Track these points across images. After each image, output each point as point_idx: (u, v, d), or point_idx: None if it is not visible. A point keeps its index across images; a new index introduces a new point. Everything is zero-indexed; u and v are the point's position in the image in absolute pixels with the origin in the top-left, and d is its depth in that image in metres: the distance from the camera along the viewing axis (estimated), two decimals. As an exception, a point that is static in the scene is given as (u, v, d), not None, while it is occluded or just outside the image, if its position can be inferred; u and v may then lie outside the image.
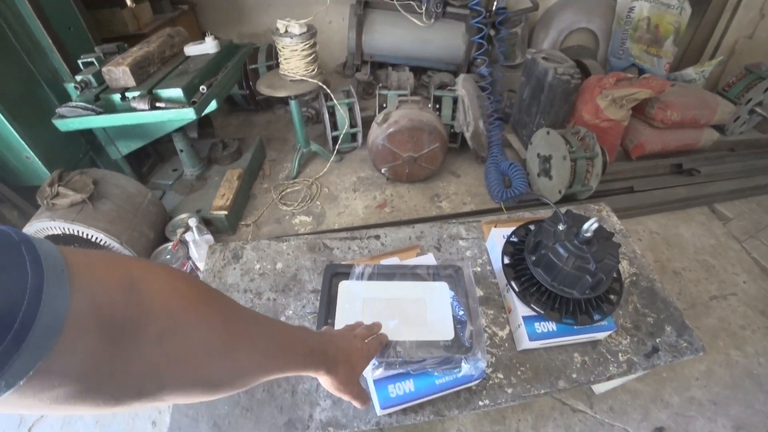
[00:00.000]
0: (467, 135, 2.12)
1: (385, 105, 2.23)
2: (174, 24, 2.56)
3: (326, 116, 2.22)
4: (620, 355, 0.99)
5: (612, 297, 0.96)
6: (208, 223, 1.95)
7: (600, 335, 0.97)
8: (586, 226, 0.83)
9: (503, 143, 2.22)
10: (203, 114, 1.70)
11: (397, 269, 0.95)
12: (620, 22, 2.71)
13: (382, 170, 2.07)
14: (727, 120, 2.65)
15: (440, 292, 0.90)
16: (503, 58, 2.43)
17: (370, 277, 0.92)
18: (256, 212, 2.15)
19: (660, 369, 1.63)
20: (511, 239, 1.03)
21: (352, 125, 2.28)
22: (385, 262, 1.05)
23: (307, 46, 1.95)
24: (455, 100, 2.15)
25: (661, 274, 2.02)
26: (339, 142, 2.25)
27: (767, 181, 2.72)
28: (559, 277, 0.88)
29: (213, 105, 1.74)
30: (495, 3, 2.39)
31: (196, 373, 0.36)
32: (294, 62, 1.98)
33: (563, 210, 0.98)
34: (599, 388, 1.49)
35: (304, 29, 1.92)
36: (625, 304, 1.11)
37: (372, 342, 0.73)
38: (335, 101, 2.16)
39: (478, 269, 1.13)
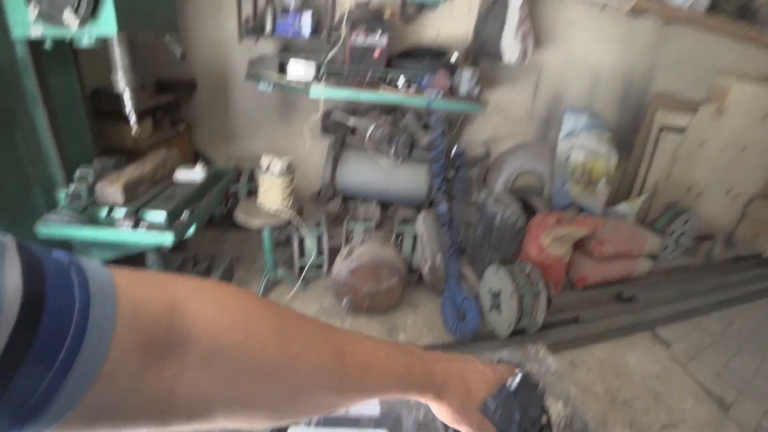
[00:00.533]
0: (424, 270, 2.32)
1: (352, 236, 2.43)
2: (170, 142, 2.70)
3: (295, 245, 2.39)
4: None
5: None
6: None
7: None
8: (509, 380, 0.95)
9: (460, 276, 2.42)
10: (183, 237, 1.80)
11: (340, 421, 1.00)
12: (560, 166, 3.17)
13: (343, 302, 2.19)
14: (657, 250, 3.00)
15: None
16: (462, 195, 2.75)
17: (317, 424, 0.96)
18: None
19: None
20: None
21: (320, 253, 2.45)
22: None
23: (286, 182, 2.18)
24: (415, 236, 2.39)
25: (611, 406, 2.11)
26: (305, 270, 2.39)
27: (702, 303, 2.99)
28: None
29: (192, 230, 1.86)
30: (453, 149, 2.78)
31: (250, 395, 0.35)
32: (272, 195, 2.19)
33: (494, 356, 1.08)
34: None
35: (285, 168, 2.15)
36: None
37: (500, 367, 0.66)
38: (304, 231, 2.35)
39: (423, 412, 1.19)
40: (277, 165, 2.16)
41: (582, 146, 3.13)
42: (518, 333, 2.19)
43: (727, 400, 2.28)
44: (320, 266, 2.50)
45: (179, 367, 0.30)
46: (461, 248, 2.64)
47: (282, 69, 2.57)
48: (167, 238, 1.73)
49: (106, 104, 2.24)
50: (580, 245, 2.67)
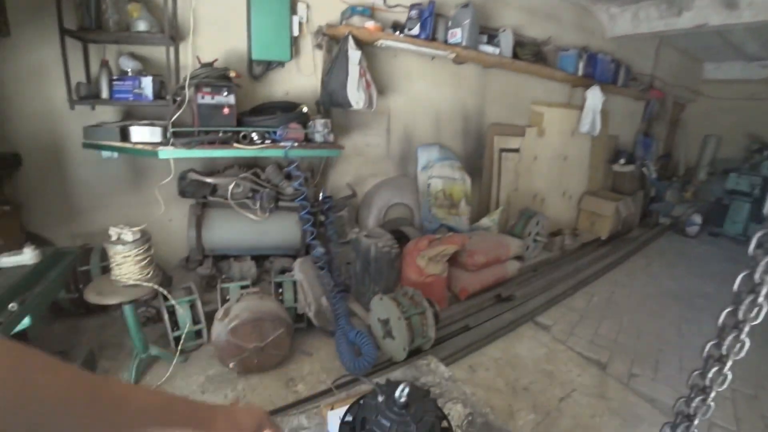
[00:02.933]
0: (311, 314, 2.24)
1: (228, 297, 2.25)
2: None
3: (166, 317, 2.12)
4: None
5: None
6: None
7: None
8: (397, 393, 0.89)
9: (349, 313, 2.39)
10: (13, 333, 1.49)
11: None
12: (424, 194, 3.46)
13: (230, 365, 1.98)
14: (521, 251, 3.38)
15: None
16: (336, 237, 2.79)
17: None
18: None
19: None
20: (345, 419, 1.03)
21: (196, 322, 2.20)
22: None
23: (141, 251, 1.95)
24: (295, 284, 2.31)
25: (514, 395, 2.22)
26: (182, 341, 2.12)
27: (566, 287, 3.42)
28: None
29: (26, 322, 1.56)
30: (320, 194, 2.83)
31: None
32: (127, 267, 1.94)
33: (383, 379, 1.05)
34: None
35: (138, 236, 1.94)
36: None
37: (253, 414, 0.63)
38: (173, 300, 2.11)
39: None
40: (128, 234, 1.94)
41: (438, 175, 3.49)
42: (415, 353, 2.20)
43: (603, 361, 2.60)
44: (199, 332, 2.24)
45: None
46: (345, 287, 2.63)
47: (124, 136, 2.39)
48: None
49: None
50: (455, 261, 2.88)
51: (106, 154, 2.43)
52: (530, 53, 3.92)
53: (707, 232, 5.75)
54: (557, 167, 4.79)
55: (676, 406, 1.11)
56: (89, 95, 2.39)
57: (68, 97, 2.37)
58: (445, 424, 1.05)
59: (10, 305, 1.54)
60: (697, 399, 1.04)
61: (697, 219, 5.58)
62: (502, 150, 4.16)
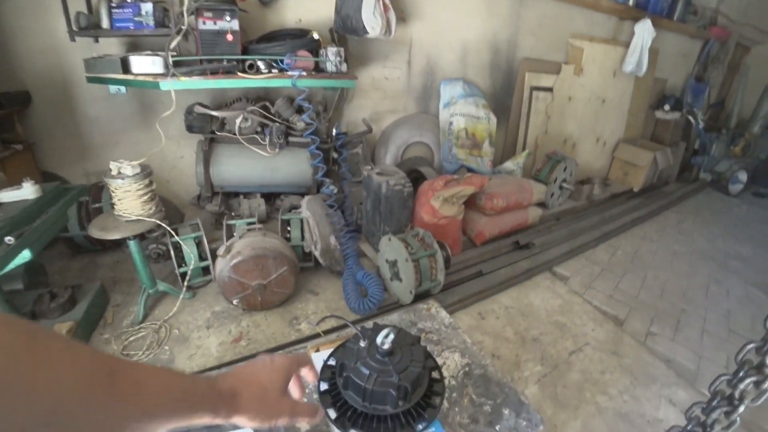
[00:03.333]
0: (316, 253, 2.18)
1: (234, 234, 2.22)
2: (3, 165, 2.32)
3: (172, 253, 2.12)
4: (461, 457, 0.96)
5: (435, 399, 0.91)
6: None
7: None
8: (380, 339, 0.82)
9: (358, 254, 2.33)
10: (13, 266, 1.51)
11: None
12: (444, 133, 3.24)
13: (234, 302, 1.98)
14: (545, 198, 3.19)
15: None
16: (350, 175, 2.67)
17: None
18: (92, 374, 1.84)
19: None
20: (328, 362, 0.98)
21: (203, 258, 2.20)
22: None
23: (142, 186, 1.91)
24: (302, 222, 2.24)
25: (522, 345, 2.16)
26: (188, 278, 2.13)
27: (589, 239, 3.25)
28: (368, 397, 0.84)
29: (26, 255, 1.57)
30: (334, 129, 2.68)
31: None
32: (128, 203, 1.91)
33: (370, 323, 0.98)
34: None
35: (137, 170, 1.90)
36: (461, 398, 1.12)
37: (287, 356, 0.65)
38: (178, 237, 2.10)
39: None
40: (128, 169, 1.89)
41: (461, 113, 3.24)
42: (424, 297, 2.15)
43: (621, 317, 2.48)
44: (207, 272, 2.25)
45: None
46: (356, 227, 2.55)
47: (126, 68, 2.28)
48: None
49: None
50: (473, 204, 2.73)
51: (113, 88, 2.33)
52: (576, -23, 3.44)
53: (752, 192, 5.28)
54: (593, 110, 4.39)
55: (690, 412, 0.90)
56: (89, 26, 2.25)
57: (68, 29, 2.24)
58: (436, 375, 0.96)
59: (7, 238, 1.53)
60: (719, 410, 0.80)
61: (743, 177, 5.11)
62: (534, 88, 3.81)
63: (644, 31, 3.98)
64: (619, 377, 2.03)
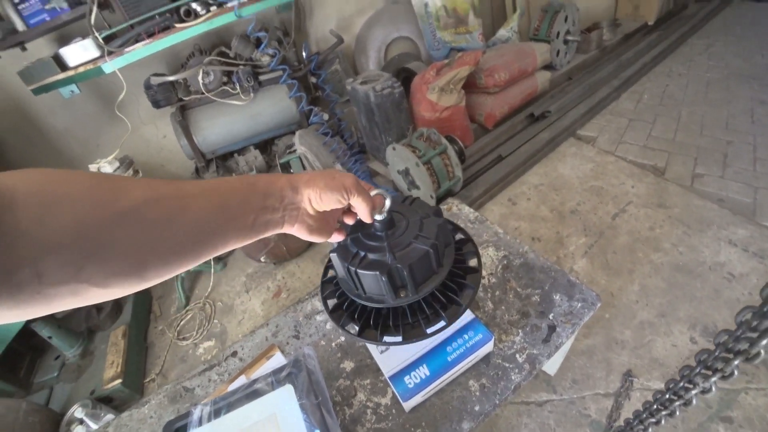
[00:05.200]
0: (325, 185, 2.07)
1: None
2: None
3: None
4: (518, 356, 0.90)
5: (461, 294, 0.72)
6: (107, 400, 1.72)
7: (483, 351, 0.87)
8: (386, 204, 0.64)
9: (370, 173, 2.19)
10: None
11: (240, 392, 0.82)
12: (423, 19, 2.87)
13: (261, 259, 1.94)
14: (550, 58, 2.86)
15: (286, 401, 0.77)
16: (338, 96, 2.44)
17: (215, 416, 0.78)
18: (158, 361, 1.93)
19: (598, 315, 1.59)
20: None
21: (219, 227, 2.14)
22: (234, 385, 0.91)
23: (128, 176, 1.82)
24: (301, 159, 2.10)
25: (561, 221, 2.05)
26: (212, 249, 2.11)
27: (608, 91, 2.96)
28: (358, 284, 0.67)
29: None
30: (303, 52, 2.41)
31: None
32: None
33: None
34: (551, 368, 1.41)
35: (116, 164, 1.81)
36: (505, 295, 1.04)
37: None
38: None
39: (342, 339, 1.01)
40: (107, 166, 1.81)
41: (435, -10, 2.83)
42: (448, 197, 2.03)
43: (660, 165, 2.29)
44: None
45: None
46: (361, 148, 2.39)
47: (62, 65, 2.05)
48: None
49: None
50: (474, 86, 2.48)
51: (65, 92, 2.13)
52: None
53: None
54: (583, -59, 3.77)
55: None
56: (6, 33, 1.99)
57: None
58: (472, 263, 0.75)
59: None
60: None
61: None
62: (509, -63, 3.26)
63: None
64: (670, 229, 1.90)
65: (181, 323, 2.05)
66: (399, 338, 0.69)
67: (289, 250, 1.98)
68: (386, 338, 0.70)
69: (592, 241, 1.91)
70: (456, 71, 2.20)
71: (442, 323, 0.70)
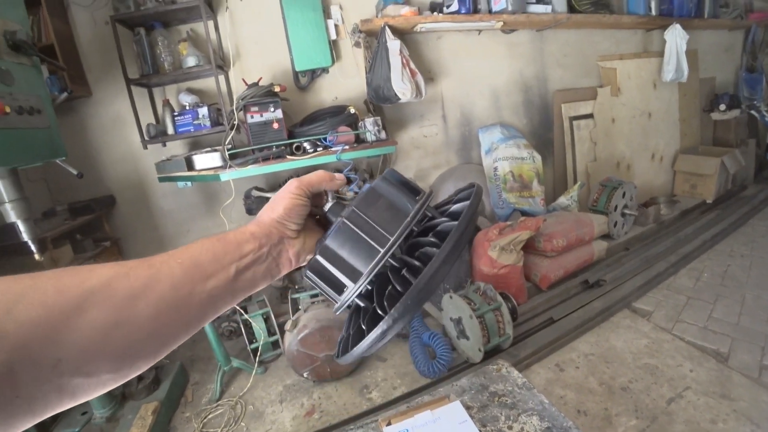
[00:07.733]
0: (381, 320, 2.20)
1: (299, 308, 2.31)
2: (96, 261, 2.59)
3: (242, 330, 2.26)
4: None
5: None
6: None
7: None
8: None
9: (423, 315, 2.31)
10: None
11: None
12: (491, 180, 3.24)
13: (304, 374, 2.03)
14: (608, 228, 3.02)
15: None
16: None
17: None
18: (177, 451, 1.93)
19: None
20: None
21: (271, 333, 2.30)
22: None
23: None
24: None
25: (610, 396, 1.97)
26: (259, 353, 2.23)
27: (666, 266, 2.99)
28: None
29: None
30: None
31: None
32: None
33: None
34: None
35: None
36: None
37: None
38: (247, 315, 2.22)
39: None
40: None
41: (504, 157, 3.24)
42: (495, 352, 2.07)
43: (723, 351, 2.19)
44: (276, 346, 2.35)
45: None
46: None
47: (190, 165, 2.57)
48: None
49: (5, 238, 2.12)
50: (532, 247, 2.65)
51: (180, 184, 2.65)
52: (588, 2, 3.46)
53: None
54: (640, 127, 4.21)
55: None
56: (158, 134, 2.62)
57: (141, 139, 2.62)
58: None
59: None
60: None
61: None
62: (573, 118, 3.76)
63: (675, 36, 3.84)
64: (735, 425, 1.75)
65: (209, 416, 2.08)
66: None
67: (333, 372, 2.06)
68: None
69: (644, 426, 1.80)
70: (518, 234, 2.41)
71: None
